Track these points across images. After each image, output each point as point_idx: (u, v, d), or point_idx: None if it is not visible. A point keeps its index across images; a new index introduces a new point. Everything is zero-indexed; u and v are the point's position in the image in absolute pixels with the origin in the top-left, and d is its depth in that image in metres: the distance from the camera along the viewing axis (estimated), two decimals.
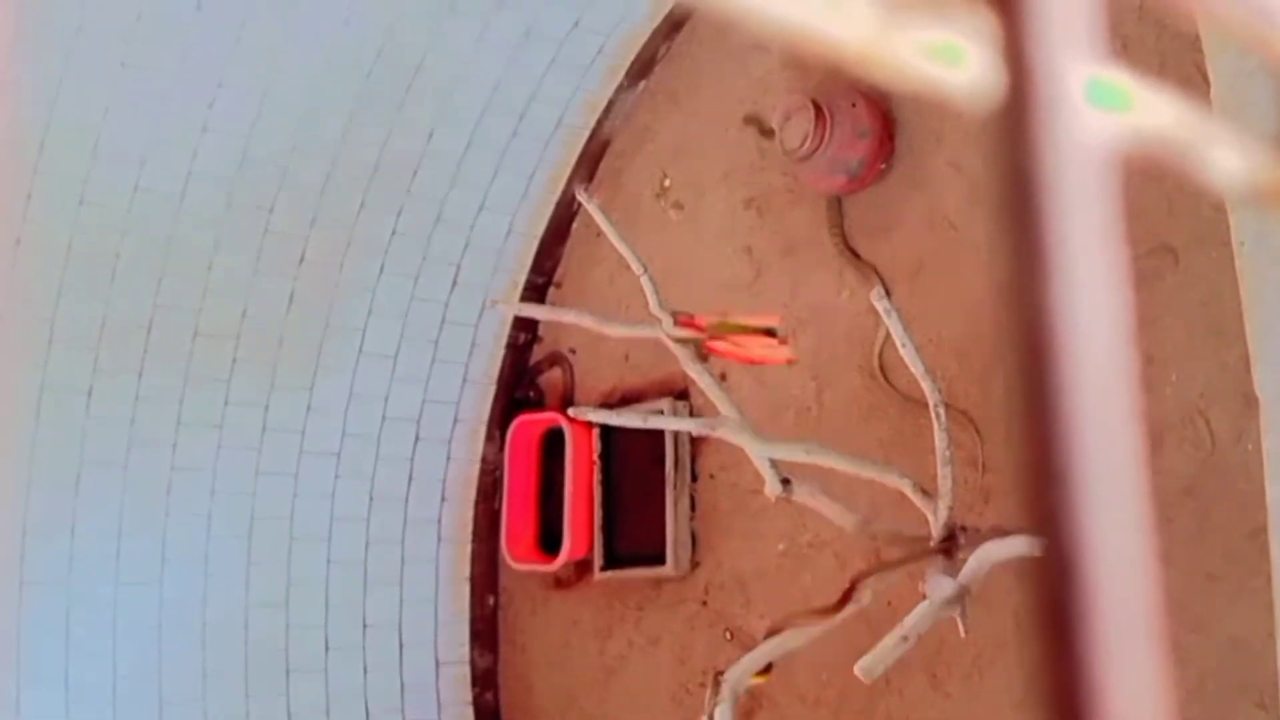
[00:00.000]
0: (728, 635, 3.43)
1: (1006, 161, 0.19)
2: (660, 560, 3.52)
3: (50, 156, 3.09)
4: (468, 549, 4.01)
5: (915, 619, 2.13)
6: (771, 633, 2.35)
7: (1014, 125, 0.19)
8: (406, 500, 3.91)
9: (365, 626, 3.79)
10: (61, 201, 3.17)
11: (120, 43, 3.09)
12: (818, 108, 3.13)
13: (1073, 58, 0.20)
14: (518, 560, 3.86)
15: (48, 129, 3.07)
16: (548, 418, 3.89)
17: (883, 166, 3.21)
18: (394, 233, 3.74)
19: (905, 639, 2.09)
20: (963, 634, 2.20)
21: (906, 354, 2.37)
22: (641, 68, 3.84)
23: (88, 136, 3.16)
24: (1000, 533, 2.36)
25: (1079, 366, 0.20)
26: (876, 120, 3.16)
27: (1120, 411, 0.20)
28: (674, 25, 3.78)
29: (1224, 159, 0.26)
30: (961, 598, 2.18)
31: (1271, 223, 1.61)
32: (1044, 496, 0.19)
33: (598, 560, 3.70)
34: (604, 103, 3.87)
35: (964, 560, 2.27)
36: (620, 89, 3.86)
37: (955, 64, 0.21)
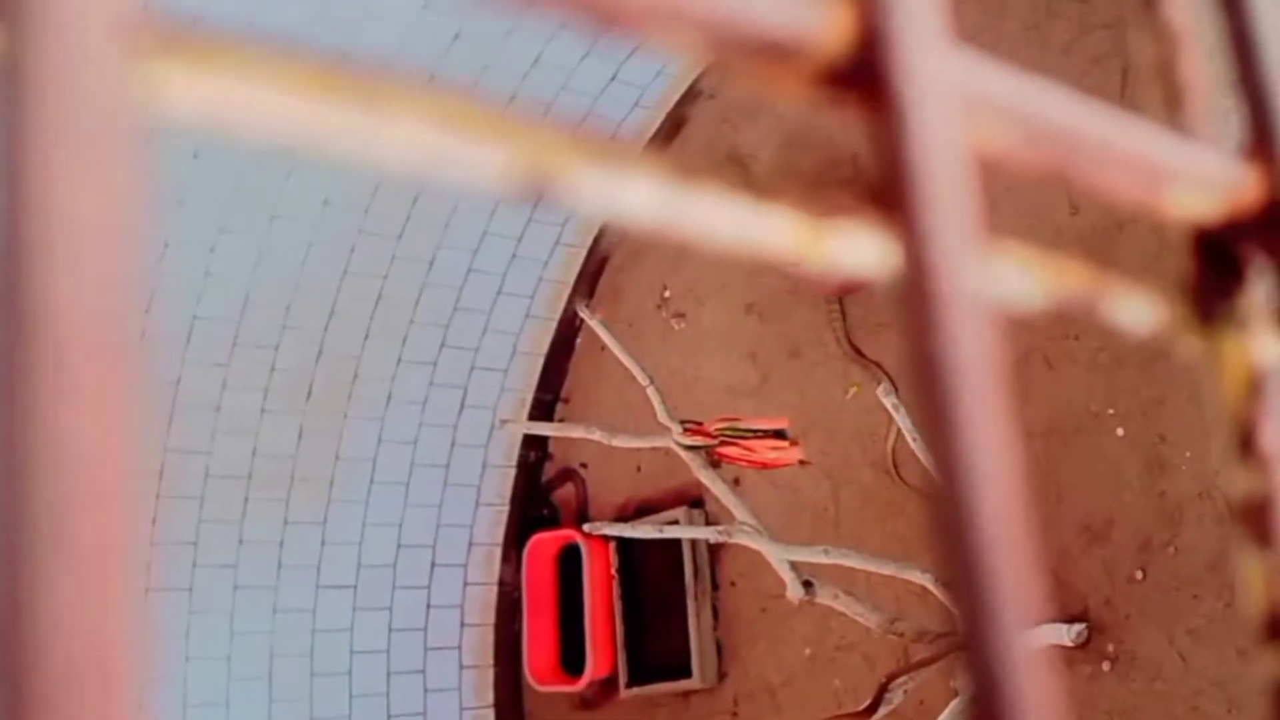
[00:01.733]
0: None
1: (912, 344, 0.22)
2: (686, 673, 3.47)
3: None
4: (490, 674, 3.96)
5: (949, 716, 2.10)
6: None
7: (915, 314, 0.22)
8: (426, 629, 3.87)
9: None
10: None
11: None
12: None
13: (965, 249, 0.22)
14: (541, 682, 3.81)
15: None
16: (563, 535, 3.87)
17: None
18: (400, 360, 3.77)
19: None
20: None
21: (918, 448, 2.37)
22: None
23: None
24: None
25: (979, 510, 0.22)
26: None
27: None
28: (664, 140, 3.86)
29: (1129, 313, 0.28)
30: None
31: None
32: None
33: (623, 677, 3.65)
34: (600, 221, 3.93)
35: None
36: None
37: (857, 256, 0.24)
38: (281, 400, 3.60)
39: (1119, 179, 0.26)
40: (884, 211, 0.22)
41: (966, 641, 0.20)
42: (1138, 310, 0.27)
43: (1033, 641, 0.20)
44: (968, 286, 0.21)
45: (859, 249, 0.23)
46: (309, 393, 3.65)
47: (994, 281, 0.23)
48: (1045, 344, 2.87)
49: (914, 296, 0.21)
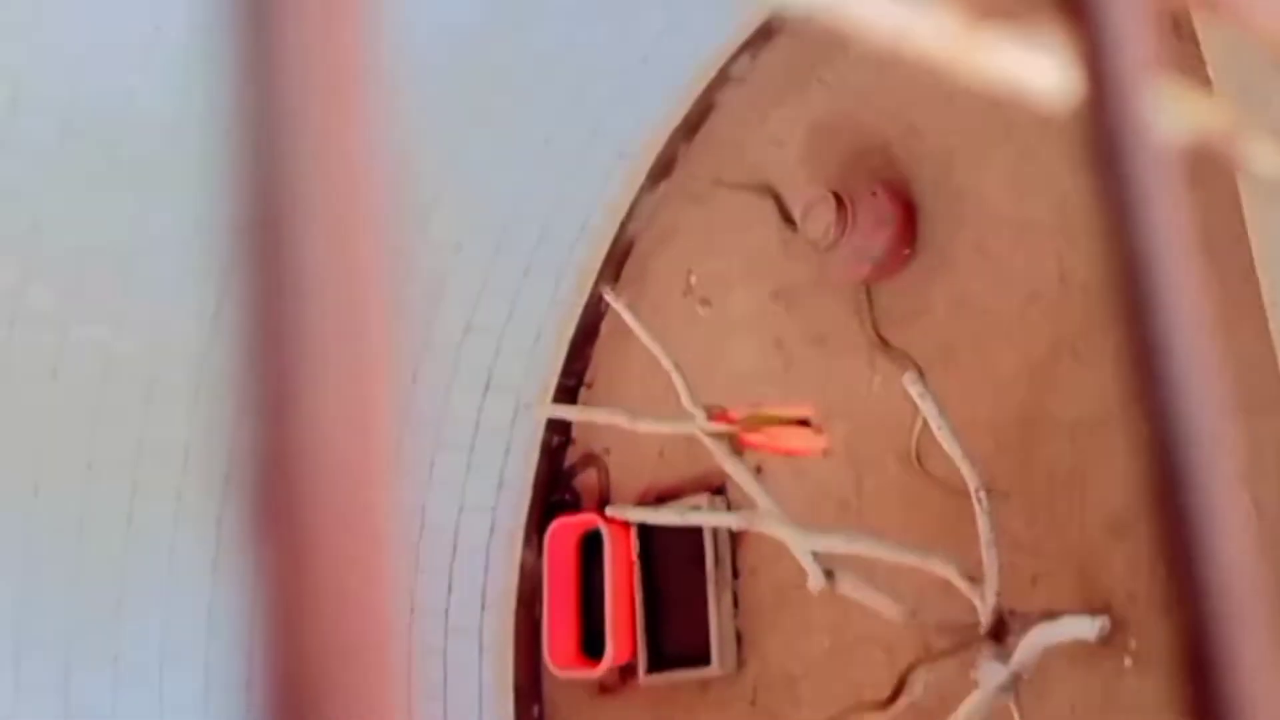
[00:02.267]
0: None
1: (1092, 160, 0.21)
2: (706, 660, 3.47)
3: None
4: (510, 657, 3.97)
5: (969, 708, 2.09)
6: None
7: (1094, 128, 0.21)
8: (447, 611, 3.88)
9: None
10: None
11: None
12: (838, 198, 3.15)
13: (1141, 65, 0.22)
14: (561, 668, 3.82)
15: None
16: (585, 520, 3.87)
17: (907, 252, 3.22)
18: (425, 344, 3.78)
19: None
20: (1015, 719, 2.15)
21: (944, 438, 2.35)
22: (661, 169, 3.89)
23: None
24: (1050, 616, 2.32)
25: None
26: (898, 207, 3.18)
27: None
28: (691, 127, 3.84)
29: (1262, 154, 0.28)
30: (1015, 684, 2.14)
31: None
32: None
33: (642, 664, 3.65)
34: (626, 205, 3.92)
35: (1015, 645, 2.23)
36: (642, 191, 3.91)
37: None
38: None
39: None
40: (1066, 25, 0.21)
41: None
42: (1270, 156, 0.27)
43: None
44: (1147, 111, 0.21)
45: (1021, 60, 0.23)
46: None
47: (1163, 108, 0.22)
48: (1073, 336, 2.84)
49: (1098, 129, 0.21)
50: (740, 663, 3.49)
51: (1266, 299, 1.68)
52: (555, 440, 4.09)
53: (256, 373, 0.15)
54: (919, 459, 3.11)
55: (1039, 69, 0.24)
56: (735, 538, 3.53)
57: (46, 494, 3.28)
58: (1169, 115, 0.24)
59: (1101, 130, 0.21)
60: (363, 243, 0.15)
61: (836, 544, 2.45)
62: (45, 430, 3.28)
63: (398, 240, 0.16)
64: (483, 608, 3.95)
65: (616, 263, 4.00)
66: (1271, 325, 1.69)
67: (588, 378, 4.09)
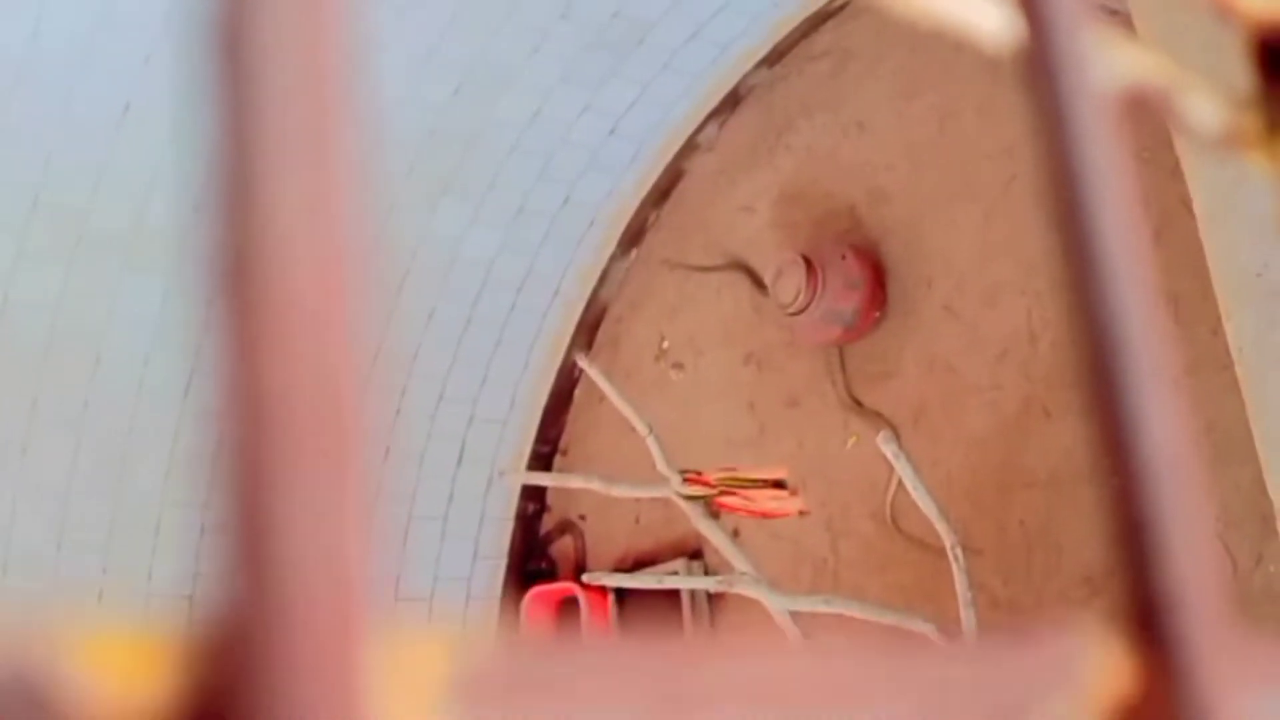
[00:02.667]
0: None
1: (1035, 107, 0.23)
2: None
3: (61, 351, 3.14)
4: None
5: None
6: None
7: (1036, 75, 0.23)
8: None
9: None
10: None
11: (122, 249, 3.17)
12: (808, 262, 3.19)
13: (1079, 9, 0.23)
14: None
15: (53, 335, 3.13)
16: (562, 588, 3.85)
17: (877, 315, 3.25)
18: (398, 412, 3.77)
19: None
20: None
21: (919, 497, 2.36)
22: (632, 236, 3.93)
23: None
24: None
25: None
26: (867, 270, 3.22)
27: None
28: (661, 194, 3.89)
29: (1199, 112, 0.29)
30: None
31: (1265, 326, 1.63)
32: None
33: None
34: (598, 272, 3.95)
35: None
36: (613, 258, 3.94)
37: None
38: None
39: None
40: None
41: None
42: (1207, 110, 0.28)
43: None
44: (1085, 59, 0.22)
45: (967, 2, 0.24)
46: None
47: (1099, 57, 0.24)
48: (1043, 393, 2.87)
49: (1037, 68, 0.22)
50: None
51: (1210, 255, 1.71)
52: (531, 508, 4.07)
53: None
54: (894, 518, 3.12)
55: (984, 11, 0.25)
56: (713, 600, 3.51)
57: None
58: (1106, 61, 0.25)
59: (1041, 72, 0.23)
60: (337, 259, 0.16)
61: (815, 604, 2.45)
62: None
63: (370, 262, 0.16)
64: None
65: (589, 329, 4.02)
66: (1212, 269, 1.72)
67: (562, 444, 4.09)
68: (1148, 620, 0.24)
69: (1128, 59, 0.28)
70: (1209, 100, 0.29)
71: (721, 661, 0.20)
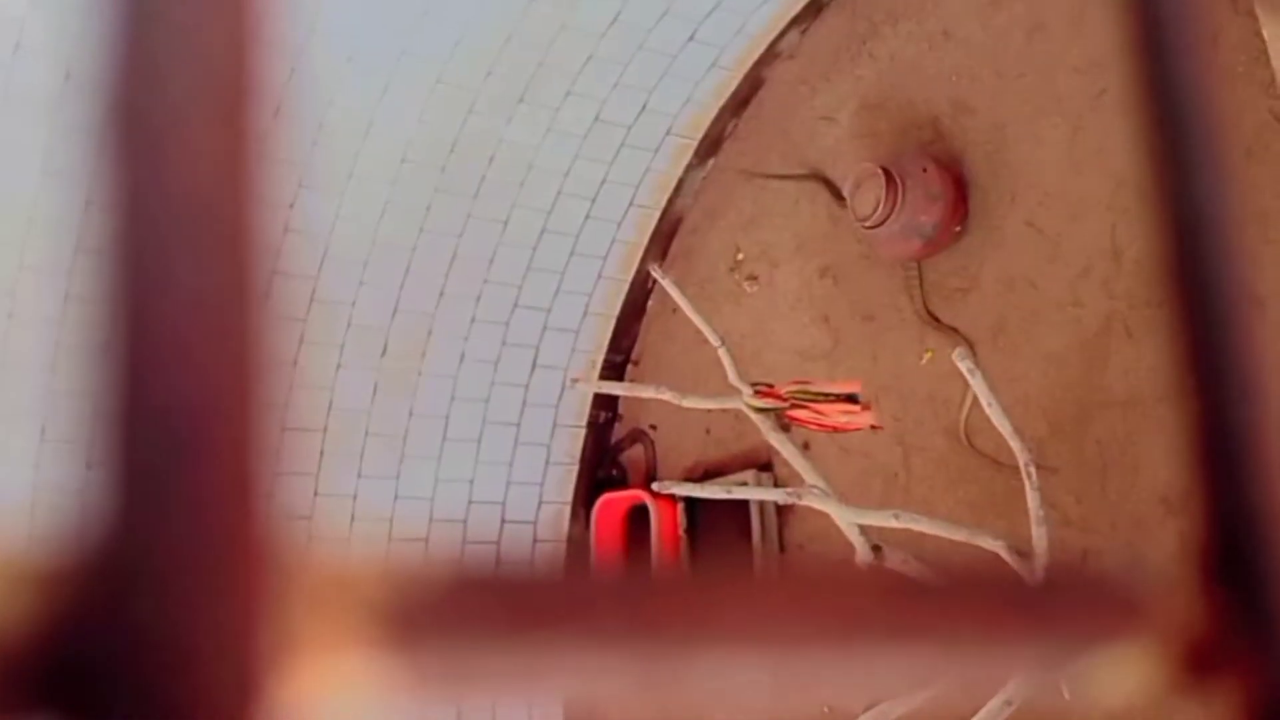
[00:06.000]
0: (826, 709, 3.37)
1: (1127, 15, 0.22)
2: None
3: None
4: None
5: (1017, 683, 2.08)
6: (871, 705, 2.31)
7: None
8: None
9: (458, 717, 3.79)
10: None
11: None
12: (888, 174, 3.13)
13: None
14: None
15: None
16: (631, 495, 3.89)
17: (957, 229, 3.20)
18: (473, 319, 3.80)
19: (1009, 703, 2.04)
20: (1066, 696, 2.14)
21: (993, 414, 2.34)
22: (710, 146, 3.89)
23: None
24: None
25: None
26: (948, 183, 3.16)
27: None
28: (740, 102, 3.83)
29: None
30: None
31: None
32: None
33: None
34: (674, 182, 3.92)
35: None
36: (690, 167, 3.91)
37: None
38: (357, 356, 3.64)
39: None
40: None
41: None
42: None
43: None
44: None
45: None
46: (384, 349, 3.69)
47: None
48: (1126, 312, 2.82)
49: None
50: None
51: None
52: (602, 417, 4.11)
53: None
54: (967, 435, 3.10)
55: None
56: (782, 513, 3.53)
57: None
58: None
59: None
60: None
61: (883, 519, 2.45)
62: None
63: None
64: None
65: (664, 240, 4.00)
66: None
67: (635, 354, 4.10)
68: (1226, 557, 0.23)
69: None
70: None
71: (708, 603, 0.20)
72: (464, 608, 0.18)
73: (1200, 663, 0.22)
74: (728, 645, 0.19)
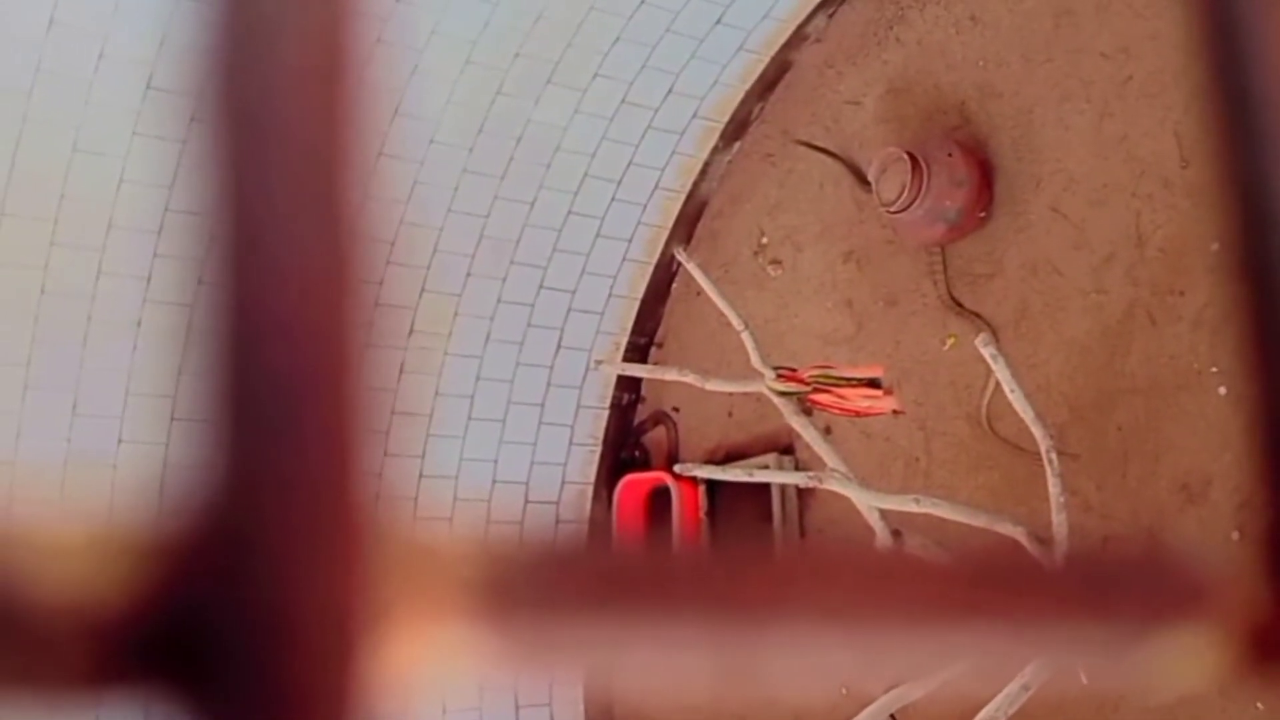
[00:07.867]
0: (844, 691, 3.39)
1: None
2: None
3: (168, 240, 3.23)
4: None
5: (1036, 667, 2.10)
6: (890, 686, 2.33)
7: None
8: None
9: (482, 691, 3.83)
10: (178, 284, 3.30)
11: None
12: (913, 159, 3.14)
13: None
14: None
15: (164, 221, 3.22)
16: (654, 477, 3.91)
17: (982, 214, 3.20)
18: (499, 300, 3.83)
19: (1026, 688, 2.06)
20: (1084, 681, 2.16)
21: (1015, 400, 2.35)
22: (736, 129, 3.89)
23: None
24: None
25: None
26: (973, 168, 3.16)
27: None
28: (767, 86, 3.83)
29: None
30: None
31: None
32: None
33: None
34: (700, 165, 3.93)
35: None
36: (715, 150, 3.92)
37: None
38: (384, 335, 3.67)
39: None
40: None
41: None
42: None
43: None
44: None
45: None
46: (410, 329, 3.72)
47: None
48: (1149, 299, 2.82)
49: None
50: None
51: None
52: (626, 399, 4.13)
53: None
54: (989, 421, 3.11)
55: None
56: (803, 496, 3.55)
57: None
58: None
59: None
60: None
61: (904, 503, 2.46)
62: None
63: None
64: None
65: (689, 223, 4.01)
66: None
67: (658, 337, 4.12)
68: None
69: None
70: None
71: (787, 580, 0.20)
72: (554, 582, 0.19)
73: (1264, 648, 0.22)
74: (804, 622, 0.20)
